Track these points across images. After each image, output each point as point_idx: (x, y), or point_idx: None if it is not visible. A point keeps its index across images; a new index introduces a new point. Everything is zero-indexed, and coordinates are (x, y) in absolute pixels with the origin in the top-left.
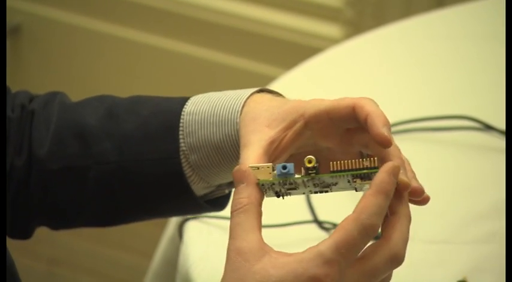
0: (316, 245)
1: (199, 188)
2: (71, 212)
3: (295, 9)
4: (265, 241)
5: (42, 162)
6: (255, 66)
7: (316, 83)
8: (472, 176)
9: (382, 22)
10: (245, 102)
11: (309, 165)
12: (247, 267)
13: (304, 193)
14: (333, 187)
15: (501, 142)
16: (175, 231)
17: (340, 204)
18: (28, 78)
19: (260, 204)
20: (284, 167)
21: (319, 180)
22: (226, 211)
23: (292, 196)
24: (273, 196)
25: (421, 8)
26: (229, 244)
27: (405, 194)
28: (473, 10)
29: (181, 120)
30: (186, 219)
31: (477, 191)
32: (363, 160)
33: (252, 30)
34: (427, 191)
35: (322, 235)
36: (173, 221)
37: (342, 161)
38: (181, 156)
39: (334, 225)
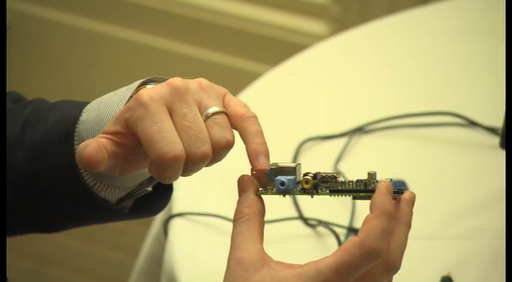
0: (316, 262)
1: (112, 194)
2: (9, 220)
3: (281, 6)
4: None
5: None
6: (240, 63)
7: (301, 80)
8: (457, 171)
9: (368, 19)
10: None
11: (307, 186)
12: (245, 278)
13: None
14: None
15: (485, 138)
16: (160, 229)
17: (326, 202)
18: (14, 78)
19: (262, 214)
20: (282, 183)
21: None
22: (212, 208)
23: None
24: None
25: (407, 5)
26: (229, 253)
27: (404, 202)
28: (457, 7)
29: (76, 129)
30: (171, 217)
31: (461, 186)
32: (362, 181)
33: (237, 27)
34: (412, 186)
35: (307, 232)
36: (158, 219)
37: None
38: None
39: (320, 222)
